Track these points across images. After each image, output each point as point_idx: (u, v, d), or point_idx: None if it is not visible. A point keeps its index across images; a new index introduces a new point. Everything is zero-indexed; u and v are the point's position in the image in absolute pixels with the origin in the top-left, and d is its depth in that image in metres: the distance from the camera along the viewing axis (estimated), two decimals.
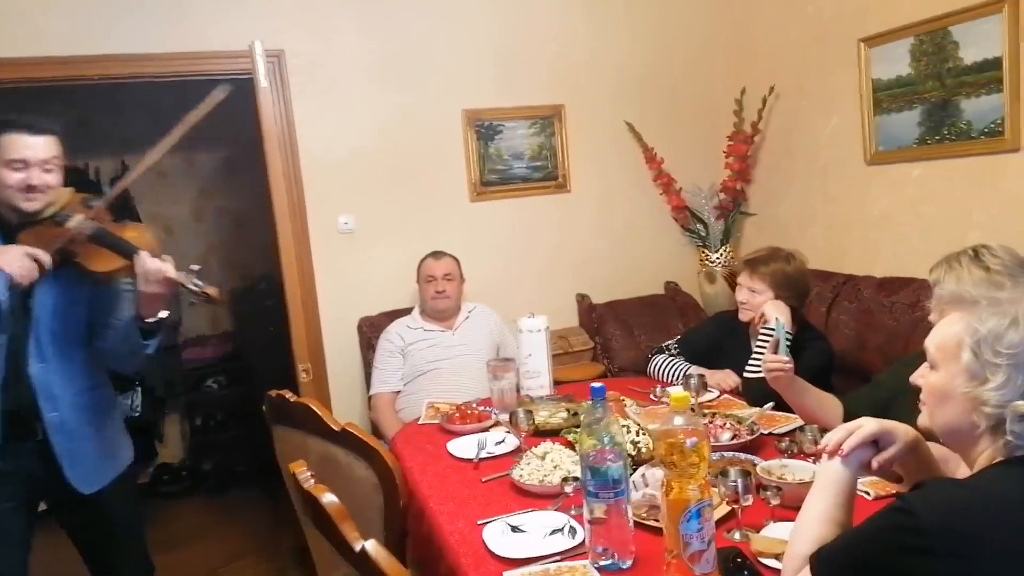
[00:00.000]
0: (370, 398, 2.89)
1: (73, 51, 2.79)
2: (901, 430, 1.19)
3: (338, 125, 3.17)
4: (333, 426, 1.63)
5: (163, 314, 1.81)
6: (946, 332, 1.09)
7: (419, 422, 2.36)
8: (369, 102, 3.21)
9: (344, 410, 3.12)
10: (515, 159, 3.47)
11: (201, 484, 4.16)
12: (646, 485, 1.51)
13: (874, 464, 1.17)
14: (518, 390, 2.42)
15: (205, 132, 4.51)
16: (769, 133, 3.52)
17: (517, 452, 1.94)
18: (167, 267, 1.73)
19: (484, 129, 3.40)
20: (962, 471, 1.17)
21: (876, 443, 1.18)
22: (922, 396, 1.15)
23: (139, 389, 3.88)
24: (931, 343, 1.13)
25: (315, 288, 3.08)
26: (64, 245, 1.74)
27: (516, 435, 1.97)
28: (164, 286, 1.74)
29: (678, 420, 1.20)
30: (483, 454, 1.95)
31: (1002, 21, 2.43)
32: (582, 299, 3.57)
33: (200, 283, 1.78)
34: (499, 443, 2.04)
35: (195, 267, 1.80)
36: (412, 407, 2.77)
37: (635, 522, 1.39)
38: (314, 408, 1.66)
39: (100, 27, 2.82)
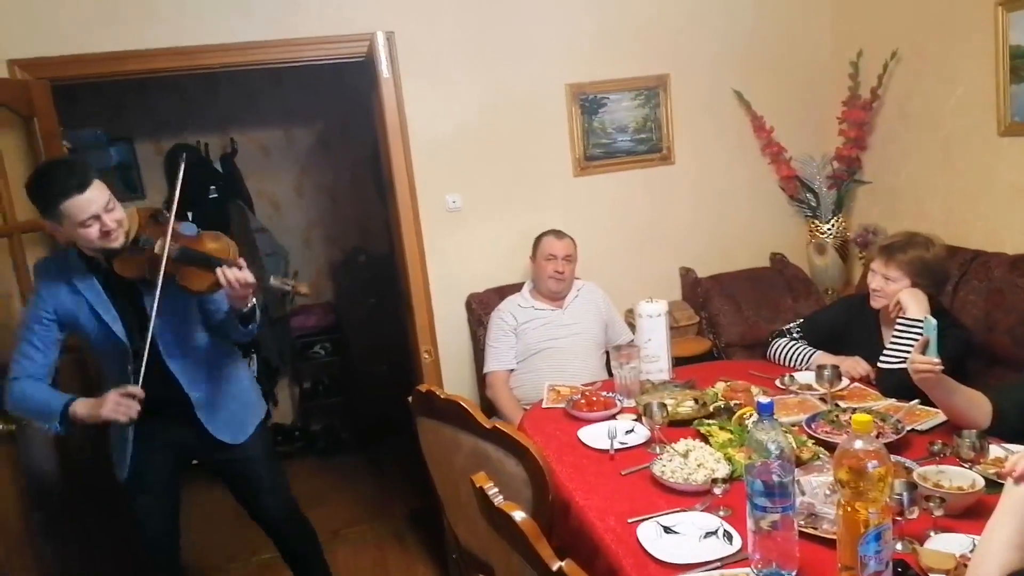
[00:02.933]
0: (485, 376, 2.96)
1: (192, 41, 2.85)
2: None
3: (443, 105, 3.17)
4: (484, 423, 1.69)
5: (253, 302, 2.06)
6: None
7: (543, 405, 2.41)
8: (472, 81, 3.19)
9: (455, 387, 3.20)
10: (619, 132, 3.41)
11: (312, 446, 4.38)
12: (802, 493, 1.51)
13: None
14: None
15: (302, 110, 4.64)
16: (887, 99, 3.35)
17: (650, 443, 1.98)
18: (246, 274, 1.95)
19: (588, 103, 3.35)
20: None
21: None
22: None
23: (255, 356, 4.08)
24: None
25: (427, 268, 3.14)
26: (164, 268, 1.94)
27: (649, 428, 1.99)
28: (247, 289, 1.97)
29: (858, 443, 1.20)
30: (617, 444, 1.99)
31: None
32: (686, 272, 3.53)
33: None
34: (629, 432, 2.07)
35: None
36: (526, 386, 2.84)
37: None
38: (464, 406, 1.72)
39: (212, 18, 2.86)
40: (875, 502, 1.18)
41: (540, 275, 2.94)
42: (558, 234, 2.96)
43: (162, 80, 3.74)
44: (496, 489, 1.23)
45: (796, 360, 2.47)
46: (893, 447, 1.78)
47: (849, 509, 1.20)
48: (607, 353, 2.93)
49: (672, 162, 3.49)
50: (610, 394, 2.34)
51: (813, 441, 1.85)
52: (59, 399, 1.98)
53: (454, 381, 3.25)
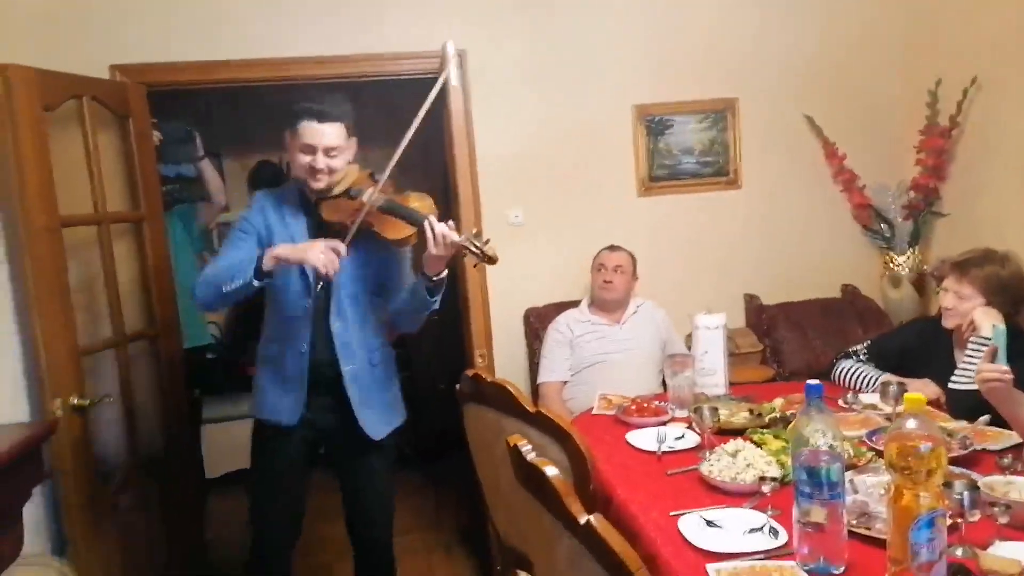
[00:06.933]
0: (537, 387, 2.95)
1: (274, 53, 3.03)
2: None
3: (510, 122, 3.24)
4: (528, 407, 1.68)
5: (444, 273, 2.01)
6: None
7: (593, 412, 2.38)
8: (539, 99, 3.26)
9: None
10: (685, 154, 3.41)
11: None
12: (855, 492, 1.44)
13: None
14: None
15: (377, 131, 4.79)
16: (967, 127, 3.24)
17: (699, 448, 1.92)
18: (452, 232, 1.92)
19: (653, 124, 3.37)
20: None
21: None
22: None
23: None
24: None
25: (487, 279, 3.17)
26: (363, 217, 1.97)
27: (699, 431, 1.94)
28: (448, 249, 1.93)
29: (911, 423, 1.14)
30: (664, 448, 1.94)
31: None
32: (751, 299, 3.45)
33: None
34: (679, 438, 2.02)
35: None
36: (579, 398, 2.81)
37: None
38: (509, 389, 1.72)
39: (297, 31, 3.03)
40: (927, 487, 1.12)
41: (593, 286, 2.96)
42: (612, 247, 2.99)
43: (249, 97, 3.96)
44: (530, 447, 1.23)
45: (863, 382, 2.36)
46: (960, 462, 1.68)
47: (900, 495, 1.14)
48: (663, 372, 2.88)
49: (739, 186, 3.45)
50: (662, 404, 2.30)
51: (873, 453, 1.76)
52: (253, 253, 1.98)
53: None
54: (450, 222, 1.94)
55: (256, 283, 1.95)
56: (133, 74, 2.77)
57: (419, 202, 2.04)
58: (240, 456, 4.02)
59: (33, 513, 2.23)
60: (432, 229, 1.91)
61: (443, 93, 2.75)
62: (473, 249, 1.93)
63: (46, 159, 2.27)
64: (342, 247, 1.92)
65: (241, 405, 4.09)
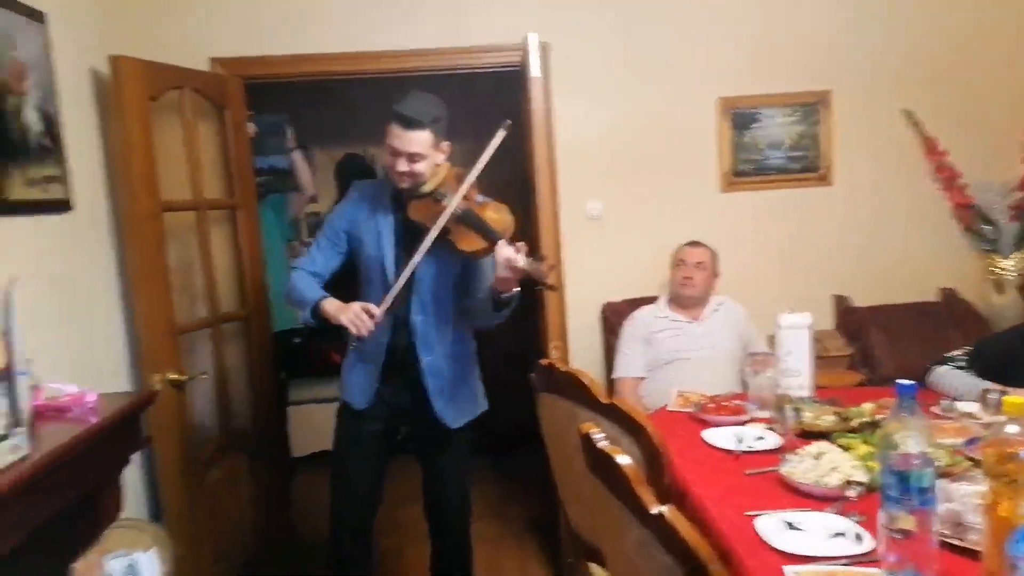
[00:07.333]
0: (612, 382, 2.92)
1: (362, 47, 3.07)
2: None
3: (591, 112, 3.22)
4: (600, 398, 1.67)
5: (516, 290, 2.00)
6: None
7: (668, 408, 2.34)
8: (622, 91, 3.22)
9: None
10: (772, 148, 3.30)
11: None
12: (948, 500, 1.37)
13: None
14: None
15: (458, 126, 4.84)
16: None
17: (780, 450, 1.86)
18: (519, 257, 1.90)
19: (740, 117, 3.28)
20: None
21: None
22: None
23: None
24: None
25: (563, 272, 3.16)
26: (443, 222, 2.00)
27: (780, 431, 1.88)
28: (514, 272, 1.92)
29: (1012, 428, 1.07)
30: (743, 447, 1.89)
31: None
32: (840, 301, 3.32)
33: (543, 272, 1.94)
34: (759, 439, 1.97)
35: (542, 256, 1.99)
36: (655, 396, 2.76)
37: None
38: (583, 379, 1.71)
39: (383, 25, 3.09)
40: None
41: (672, 282, 2.92)
42: (693, 243, 2.94)
43: (338, 91, 4.07)
44: (602, 435, 1.22)
45: (960, 391, 2.23)
46: None
47: (997, 504, 1.07)
48: (742, 372, 2.80)
49: (830, 183, 3.32)
50: (742, 403, 2.24)
51: (970, 462, 1.66)
52: (317, 293, 2.13)
53: None
54: (520, 244, 1.93)
55: (312, 322, 2.13)
56: (231, 67, 2.90)
57: (496, 214, 2.04)
58: (323, 437, 4.19)
59: (132, 479, 2.37)
60: (500, 252, 1.91)
61: (524, 82, 2.75)
62: (536, 276, 1.93)
63: (150, 147, 2.40)
64: (376, 310, 2.01)
65: (324, 389, 4.23)
